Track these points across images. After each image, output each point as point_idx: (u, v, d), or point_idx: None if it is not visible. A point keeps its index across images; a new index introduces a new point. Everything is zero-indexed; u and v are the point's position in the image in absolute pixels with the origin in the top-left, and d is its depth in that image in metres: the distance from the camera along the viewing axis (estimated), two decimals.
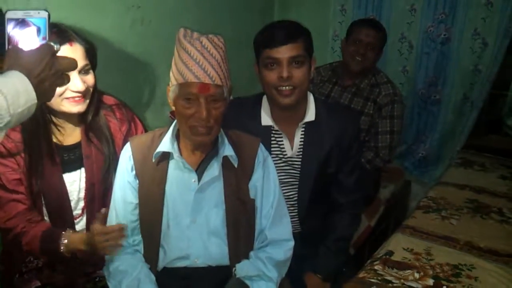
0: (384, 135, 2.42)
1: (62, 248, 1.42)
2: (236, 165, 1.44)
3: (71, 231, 1.46)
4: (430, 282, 1.36)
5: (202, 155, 1.43)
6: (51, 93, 0.94)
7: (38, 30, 0.93)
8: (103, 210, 1.43)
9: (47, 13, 0.94)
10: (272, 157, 1.62)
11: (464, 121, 2.88)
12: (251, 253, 1.48)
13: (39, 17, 0.93)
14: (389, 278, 1.37)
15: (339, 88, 2.53)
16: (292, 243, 1.51)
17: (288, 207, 1.66)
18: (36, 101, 0.87)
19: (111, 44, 2.09)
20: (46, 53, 0.91)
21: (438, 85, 2.91)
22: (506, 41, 2.65)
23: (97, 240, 1.35)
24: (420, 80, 2.96)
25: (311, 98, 1.68)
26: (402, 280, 1.35)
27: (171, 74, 1.35)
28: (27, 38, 0.92)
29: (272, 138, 1.69)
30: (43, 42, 0.93)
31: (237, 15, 2.88)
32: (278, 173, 1.61)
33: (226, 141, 1.45)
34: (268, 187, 1.50)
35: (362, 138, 2.48)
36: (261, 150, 1.51)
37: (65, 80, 0.98)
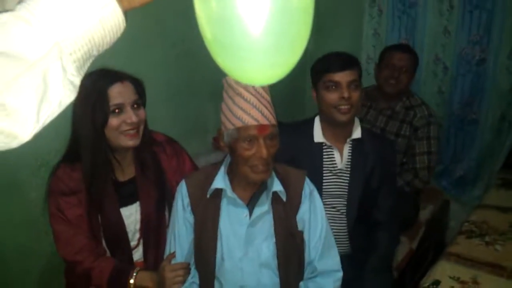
0: (421, 156, 2.45)
1: (131, 285, 1.52)
2: (284, 200, 1.50)
3: (138, 268, 1.55)
4: None
5: (253, 190, 1.50)
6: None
7: None
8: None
9: None
10: (324, 171, 1.81)
11: (502, 141, 2.86)
12: (301, 284, 1.54)
13: None
14: None
15: (375, 112, 2.58)
16: (340, 274, 1.55)
17: (337, 220, 1.83)
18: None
19: (159, 78, 2.20)
20: None
21: (474, 106, 2.91)
22: None
23: (168, 277, 1.45)
24: (456, 101, 2.96)
25: (357, 120, 1.88)
26: None
27: (223, 119, 1.42)
28: None
29: (324, 153, 1.85)
30: None
31: None
32: (328, 185, 1.80)
33: (274, 176, 1.52)
34: (316, 219, 1.55)
35: (400, 161, 2.52)
36: (307, 183, 1.57)
37: None
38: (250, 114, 1.35)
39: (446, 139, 3.03)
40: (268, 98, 1.41)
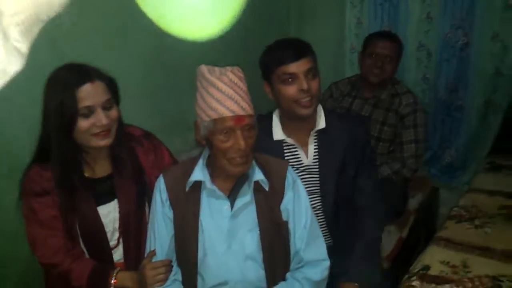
0: (409, 145, 2.42)
1: (111, 286, 1.47)
2: (267, 189, 1.46)
3: (118, 269, 1.50)
4: None
5: (234, 181, 1.45)
6: None
7: None
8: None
9: None
10: None
11: (489, 125, 2.85)
12: (288, 275, 1.50)
13: None
14: None
15: (360, 101, 2.55)
16: (327, 263, 1.51)
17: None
18: None
19: (135, 72, 2.14)
20: None
21: (459, 91, 2.89)
22: None
23: (149, 275, 1.40)
24: (441, 87, 2.94)
25: (320, 108, 1.74)
26: None
27: (198, 110, 1.37)
28: None
29: (286, 150, 1.73)
30: None
31: (253, 33, 2.90)
32: None
33: (255, 165, 1.47)
34: (300, 209, 1.51)
35: (387, 149, 2.48)
36: (290, 173, 1.53)
37: None
38: (226, 105, 1.31)
39: (433, 126, 3.01)
40: (245, 88, 1.37)
